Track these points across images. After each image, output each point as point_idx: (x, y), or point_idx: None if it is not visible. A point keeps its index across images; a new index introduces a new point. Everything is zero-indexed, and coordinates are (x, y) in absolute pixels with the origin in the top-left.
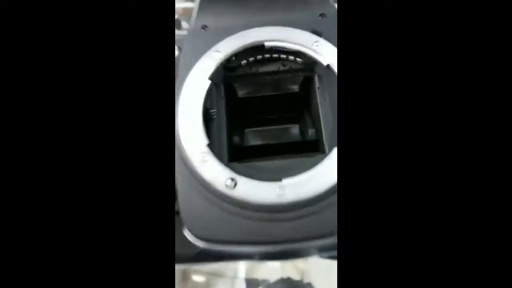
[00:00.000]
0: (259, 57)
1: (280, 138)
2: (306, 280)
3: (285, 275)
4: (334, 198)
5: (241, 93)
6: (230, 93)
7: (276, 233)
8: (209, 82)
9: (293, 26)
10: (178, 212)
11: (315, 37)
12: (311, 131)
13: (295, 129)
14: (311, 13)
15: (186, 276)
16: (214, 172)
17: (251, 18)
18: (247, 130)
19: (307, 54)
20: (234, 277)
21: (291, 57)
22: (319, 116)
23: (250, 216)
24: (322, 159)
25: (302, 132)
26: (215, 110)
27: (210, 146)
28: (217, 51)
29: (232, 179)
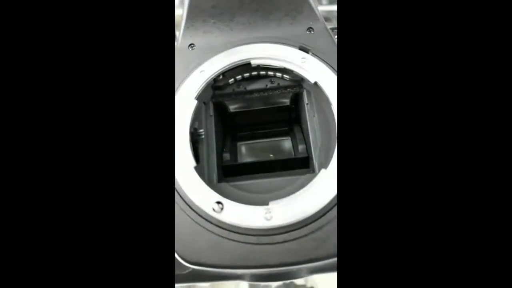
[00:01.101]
0: (247, 75)
1: (272, 152)
2: (309, 284)
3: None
4: (322, 221)
5: (232, 107)
6: (220, 109)
7: (265, 257)
8: (196, 102)
9: (280, 42)
10: None
11: (302, 54)
12: (301, 147)
13: (287, 142)
14: (298, 28)
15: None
16: (201, 195)
17: (238, 35)
18: (239, 143)
19: (294, 71)
20: (237, 283)
21: (279, 74)
22: (308, 132)
23: (238, 239)
24: (310, 180)
25: (293, 146)
26: (203, 130)
27: (199, 166)
28: (203, 71)
29: (219, 203)
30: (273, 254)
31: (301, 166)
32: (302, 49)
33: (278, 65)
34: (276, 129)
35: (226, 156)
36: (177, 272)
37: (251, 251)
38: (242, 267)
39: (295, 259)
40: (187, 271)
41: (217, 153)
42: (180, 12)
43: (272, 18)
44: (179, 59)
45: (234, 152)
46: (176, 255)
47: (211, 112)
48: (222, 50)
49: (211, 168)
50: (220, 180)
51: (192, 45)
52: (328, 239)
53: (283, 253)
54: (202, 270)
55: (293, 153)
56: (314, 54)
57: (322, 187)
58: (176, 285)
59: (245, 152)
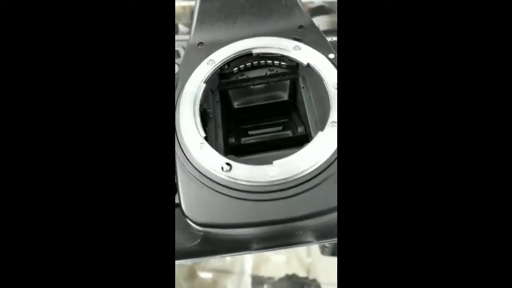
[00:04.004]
0: (248, 64)
1: (273, 136)
2: (311, 277)
3: (290, 272)
4: (325, 174)
5: (235, 103)
6: (225, 100)
7: (273, 212)
8: (204, 85)
9: (277, 36)
10: (178, 205)
11: (295, 42)
12: (300, 128)
13: (287, 130)
14: (292, 25)
15: (193, 273)
16: (211, 158)
17: (240, 33)
18: (243, 139)
19: (289, 57)
20: (241, 274)
21: (276, 62)
22: (306, 113)
23: (247, 197)
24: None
25: (293, 130)
26: (211, 110)
27: (207, 140)
28: (211, 59)
29: (228, 164)
30: (283, 209)
31: (302, 143)
32: (295, 39)
33: (275, 53)
34: (277, 121)
35: (231, 140)
36: (190, 240)
37: (260, 207)
38: (252, 225)
39: (304, 212)
40: (197, 241)
41: (223, 134)
42: (181, 3)
43: (269, 19)
44: (189, 56)
45: (237, 139)
46: (188, 221)
47: (218, 98)
48: (227, 44)
49: (218, 144)
50: (226, 154)
51: (201, 44)
52: (330, 191)
53: (292, 206)
54: (214, 236)
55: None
56: (305, 44)
57: (322, 145)
58: (189, 261)
59: (247, 139)
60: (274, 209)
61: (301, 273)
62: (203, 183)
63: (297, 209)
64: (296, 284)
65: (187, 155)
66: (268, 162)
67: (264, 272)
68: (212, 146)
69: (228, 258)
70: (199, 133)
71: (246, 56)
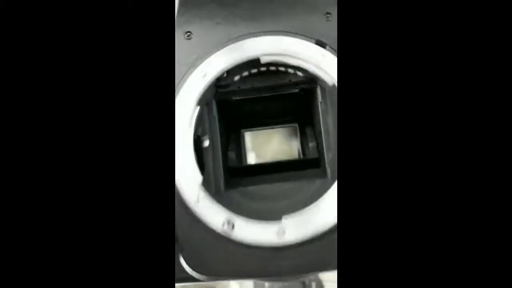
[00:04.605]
0: (254, 71)
1: (279, 147)
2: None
3: None
4: (335, 234)
5: (235, 97)
6: (222, 105)
7: (276, 270)
8: (198, 108)
9: (293, 33)
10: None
11: (319, 50)
12: (311, 145)
13: (294, 133)
14: (314, 14)
15: None
16: (210, 213)
17: (243, 22)
18: (243, 130)
19: (310, 71)
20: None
21: (291, 70)
22: (320, 131)
23: (249, 253)
24: (321, 190)
25: (302, 144)
26: (207, 135)
27: (205, 176)
28: (205, 75)
29: (229, 222)
30: (286, 267)
31: (311, 166)
32: (318, 43)
33: (292, 63)
34: (284, 118)
35: (232, 155)
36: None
37: (262, 264)
38: (252, 277)
39: (308, 269)
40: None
41: (222, 153)
42: None
43: (283, 1)
44: (176, 52)
45: (239, 150)
46: (183, 261)
47: (215, 112)
48: (225, 42)
49: (218, 175)
50: (227, 185)
51: (188, 33)
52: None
53: (297, 265)
54: (208, 279)
55: (300, 150)
56: (332, 49)
57: (335, 200)
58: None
59: (251, 146)
60: (279, 267)
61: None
62: (204, 235)
63: (303, 266)
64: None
65: (184, 205)
66: (273, 196)
67: None
68: (211, 177)
69: None
70: (196, 177)
71: (251, 60)
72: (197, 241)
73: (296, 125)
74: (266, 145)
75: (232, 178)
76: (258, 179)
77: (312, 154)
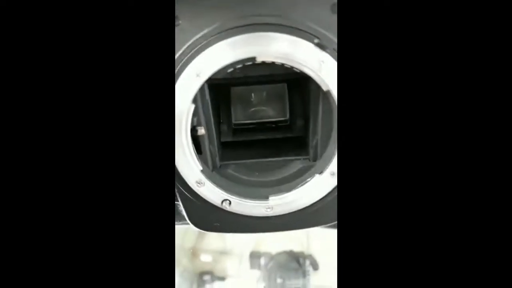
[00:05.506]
0: (249, 62)
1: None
2: (307, 252)
3: (287, 248)
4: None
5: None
6: (214, 87)
7: (266, 227)
8: (193, 106)
9: (293, 28)
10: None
11: (320, 54)
12: (299, 122)
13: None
14: (319, 6)
15: (195, 254)
16: (211, 194)
17: (238, 6)
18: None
19: (307, 73)
20: (241, 255)
21: (288, 65)
22: (309, 115)
23: (244, 218)
24: (303, 170)
25: (292, 120)
26: (202, 125)
27: (202, 156)
28: (198, 74)
29: (227, 200)
30: (274, 225)
31: (297, 147)
32: (319, 46)
33: (289, 64)
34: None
35: (224, 127)
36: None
37: (255, 225)
38: (248, 232)
39: (293, 227)
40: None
41: (215, 128)
42: None
43: None
44: None
45: (230, 120)
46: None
47: (207, 96)
48: (218, 34)
49: (213, 152)
50: (222, 159)
51: (176, 20)
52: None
53: (282, 225)
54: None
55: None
56: (335, 51)
57: (316, 188)
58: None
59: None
60: (270, 227)
61: (297, 248)
62: (205, 208)
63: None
64: (291, 256)
65: (187, 187)
66: (263, 168)
67: (262, 249)
68: (207, 155)
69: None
70: (196, 167)
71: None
72: (199, 211)
73: (285, 84)
74: (254, 103)
75: (225, 150)
76: (249, 154)
77: (299, 131)
